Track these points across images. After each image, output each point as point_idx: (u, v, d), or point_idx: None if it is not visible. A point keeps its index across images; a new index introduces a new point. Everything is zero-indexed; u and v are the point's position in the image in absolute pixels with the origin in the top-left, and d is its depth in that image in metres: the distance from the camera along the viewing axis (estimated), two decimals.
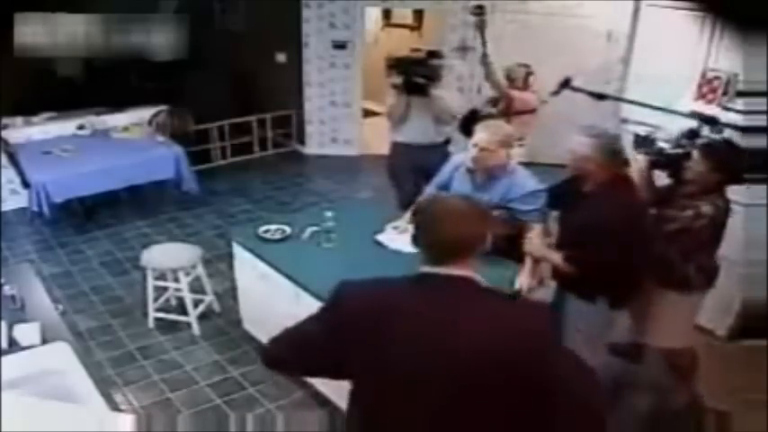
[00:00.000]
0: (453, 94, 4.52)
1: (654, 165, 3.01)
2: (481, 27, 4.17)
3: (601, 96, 3.31)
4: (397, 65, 4.07)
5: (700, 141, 3.02)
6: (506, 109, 4.47)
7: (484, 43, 4.26)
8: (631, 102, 3.30)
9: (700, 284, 2.98)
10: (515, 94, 4.54)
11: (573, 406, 1.59)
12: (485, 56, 4.32)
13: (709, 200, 2.75)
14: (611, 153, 2.65)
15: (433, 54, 4.19)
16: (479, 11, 4.15)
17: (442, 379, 1.51)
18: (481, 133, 3.01)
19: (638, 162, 2.97)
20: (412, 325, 1.54)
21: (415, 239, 1.62)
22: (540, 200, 2.96)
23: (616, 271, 2.59)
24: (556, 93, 3.76)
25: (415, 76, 3.99)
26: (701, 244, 2.86)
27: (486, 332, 1.51)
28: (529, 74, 4.67)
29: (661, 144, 3.06)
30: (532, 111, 4.62)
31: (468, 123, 4.07)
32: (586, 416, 1.62)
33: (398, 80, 4.03)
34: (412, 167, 4.09)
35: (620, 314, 3.01)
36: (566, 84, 3.65)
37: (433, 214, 1.60)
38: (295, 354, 1.73)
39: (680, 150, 2.93)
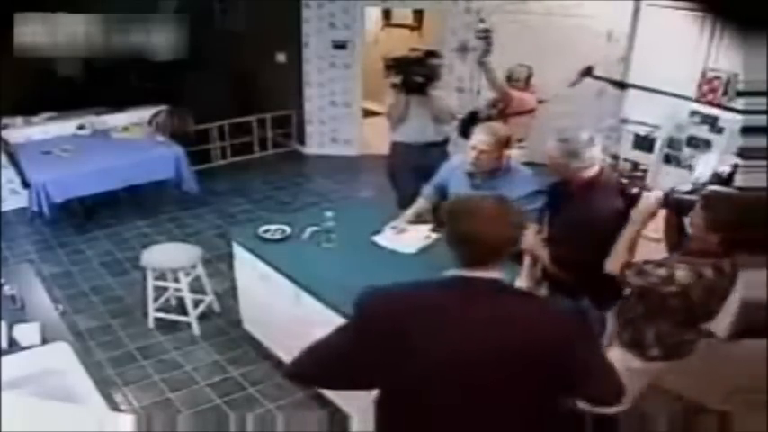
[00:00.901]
0: (452, 93, 4.53)
1: (666, 205, 2.55)
2: (486, 50, 4.17)
3: (622, 85, 3.27)
4: (396, 65, 4.09)
5: (709, 188, 2.60)
6: (504, 109, 4.47)
7: (486, 52, 4.23)
8: (647, 89, 3.26)
9: (653, 355, 2.52)
10: (515, 94, 4.54)
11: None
12: (482, 59, 4.31)
13: (698, 264, 2.26)
14: (572, 155, 2.64)
15: (432, 54, 4.21)
16: (485, 34, 4.15)
17: (478, 380, 1.52)
18: (479, 135, 3.03)
19: (648, 199, 2.53)
20: (445, 329, 1.53)
21: (450, 240, 1.59)
22: (540, 200, 2.97)
23: (596, 272, 2.58)
24: (575, 83, 3.72)
25: (413, 75, 4.01)
26: (666, 311, 2.39)
27: (517, 332, 1.52)
28: (530, 75, 4.67)
29: (689, 184, 2.83)
30: (530, 111, 4.62)
31: (468, 125, 4.08)
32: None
33: (397, 80, 4.05)
34: (411, 167, 4.10)
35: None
36: (587, 72, 3.62)
37: (471, 215, 1.56)
38: (324, 367, 1.68)
39: (694, 196, 2.47)
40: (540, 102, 4.66)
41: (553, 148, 2.69)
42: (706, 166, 3.39)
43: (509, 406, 1.56)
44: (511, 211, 1.59)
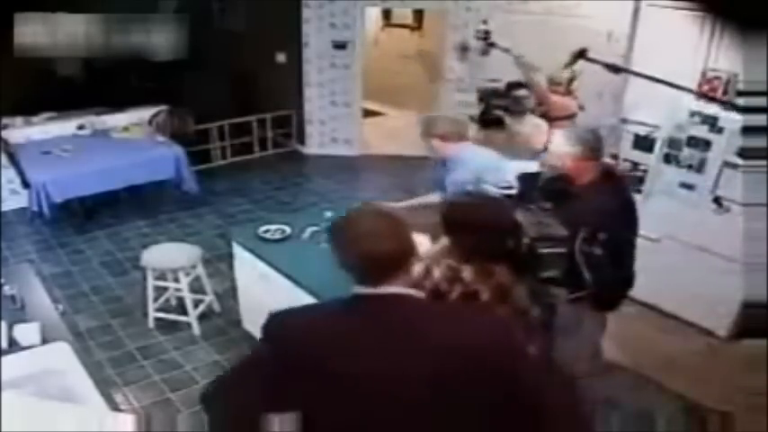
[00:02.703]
0: (452, 93, 4.46)
1: None
2: (485, 51, 4.13)
3: (616, 69, 3.25)
4: (479, 96, 4.03)
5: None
6: (546, 113, 4.36)
7: (506, 50, 4.16)
8: (642, 75, 3.23)
9: None
10: (555, 98, 4.44)
11: (545, 414, 1.49)
12: (518, 57, 4.16)
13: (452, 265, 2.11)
14: (589, 150, 2.65)
15: (515, 85, 4.06)
16: (485, 35, 4.10)
17: (394, 402, 1.43)
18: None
19: None
20: (353, 352, 1.45)
21: (339, 261, 1.52)
22: (510, 176, 2.99)
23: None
24: (570, 64, 3.69)
25: (492, 108, 3.90)
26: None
27: (432, 349, 1.43)
28: (572, 78, 4.58)
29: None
30: (572, 116, 4.53)
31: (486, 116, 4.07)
32: (565, 424, 1.54)
33: (477, 112, 3.98)
34: None
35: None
36: (581, 54, 3.60)
37: (353, 232, 1.51)
38: (239, 393, 1.56)
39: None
40: (581, 108, 4.60)
41: (562, 143, 2.69)
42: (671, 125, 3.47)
43: (436, 420, 1.44)
44: (391, 223, 1.51)
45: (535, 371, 1.56)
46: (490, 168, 3.09)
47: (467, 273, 2.06)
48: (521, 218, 2.21)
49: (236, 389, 1.57)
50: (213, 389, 1.64)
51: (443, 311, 1.60)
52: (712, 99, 3.41)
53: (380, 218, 1.54)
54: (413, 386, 1.42)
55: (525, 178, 2.94)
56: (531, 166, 3.05)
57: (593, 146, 2.68)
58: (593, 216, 2.59)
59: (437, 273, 2.11)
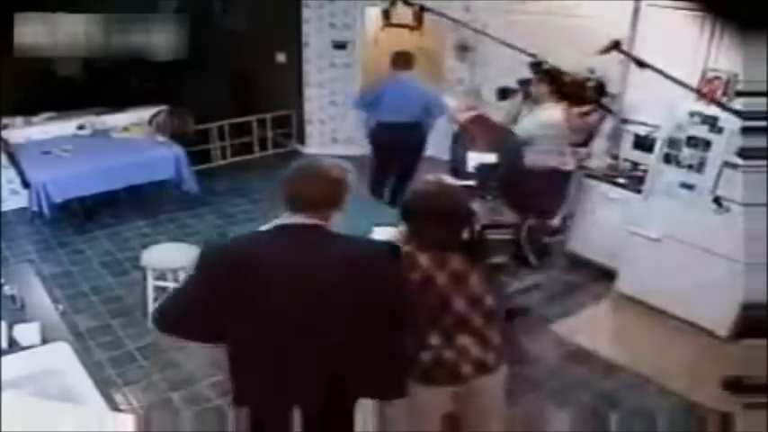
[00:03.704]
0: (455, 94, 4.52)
1: None
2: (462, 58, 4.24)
3: (642, 64, 3.31)
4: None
5: None
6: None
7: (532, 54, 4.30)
8: (665, 75, 3.28)
9: None
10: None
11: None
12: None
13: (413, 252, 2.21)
14: None
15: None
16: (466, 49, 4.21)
17: (299, 313, 1.75)
18: None
19: None
20: (271, 271, 1.77)
21: (282, 195, 1.87)
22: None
23: None
24: (604, 52, 3.70)
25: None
26: None
27: (329, 269, 1.77)
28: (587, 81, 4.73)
29: None
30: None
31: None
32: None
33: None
34: None
35: None
36: (615, 46, 3.61)
37: (291, 176, 1.89)
38: (182, 316, 1.88)
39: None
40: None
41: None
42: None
43: (335, 341, 1.78)
44: (326, 174, 1.87)
45: (400, 284, 1.91)
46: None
47: (423, 259, 2.14)
48: (476, 206, 2.26)
49: (177, 309, 1.89)
50: (159, 311, 1.93)
51: (343, 238, 1.89)
52: (723, 107, 3.42)
53: (315, 167, 1.92)
54: (317, 289, 1.76)
55: (483, 169, 3.00)
56: (490, 158, 3.11)
57: None
58: None
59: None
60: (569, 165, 4.33)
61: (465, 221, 2.14)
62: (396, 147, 5.11)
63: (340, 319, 1.77)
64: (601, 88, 4.76)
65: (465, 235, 2.13)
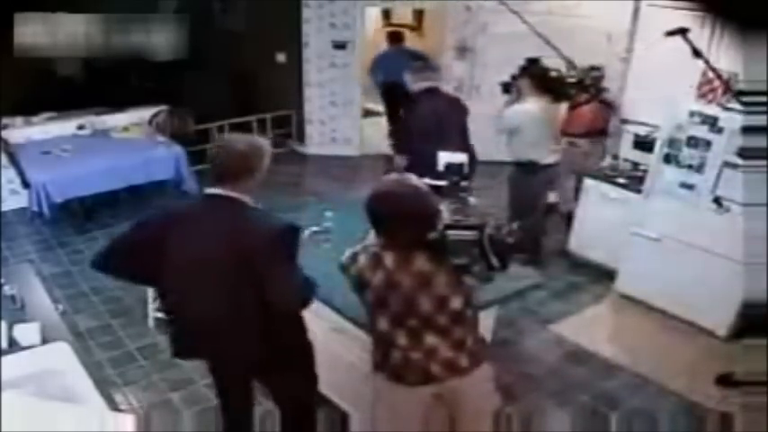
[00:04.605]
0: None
1: None
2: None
3: (698, 54, 3.39)
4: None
5: None
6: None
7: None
8: (713, 70, 3.35)
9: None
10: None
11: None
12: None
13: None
14: None
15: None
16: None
17: (203, 277, 2.19)
18: None
19: None
20: (182, 231, 2.20)
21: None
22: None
23: None
24: (671, 34, 3.69)
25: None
26: None
27: (222, 232, 2.15)
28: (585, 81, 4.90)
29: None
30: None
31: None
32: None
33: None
34: None
35: None
36: (682, 31, 3.60)
37: (216, 149, 2.32)
38: (117, 260, 2.31)
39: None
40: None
41: None
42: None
43: (224, 299, 2.17)
44: (247, 149, 2.21)
45: (273, 254, 2.17)
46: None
47: (389, 259, 2.14)
48: (442, 207, 2.26)
49: (113, 252, 2.33)
50: (99, 253, 2.34)
51: (249, 210, 2.23)
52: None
53: (224, 143, 2.36)
54: (204, 267, 2.18)
55: (452, 168, 3.00)
56: (459, 158, 3.11)
57: None
58: None
59: (362, 259, 2.21)
60: (548, 158, 4.37)
61: (429, 221, 2.10)
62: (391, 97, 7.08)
63: (223, 277, 2.16)
64: (597, 84, 4.82)
65: (431, 235, 2.08)
